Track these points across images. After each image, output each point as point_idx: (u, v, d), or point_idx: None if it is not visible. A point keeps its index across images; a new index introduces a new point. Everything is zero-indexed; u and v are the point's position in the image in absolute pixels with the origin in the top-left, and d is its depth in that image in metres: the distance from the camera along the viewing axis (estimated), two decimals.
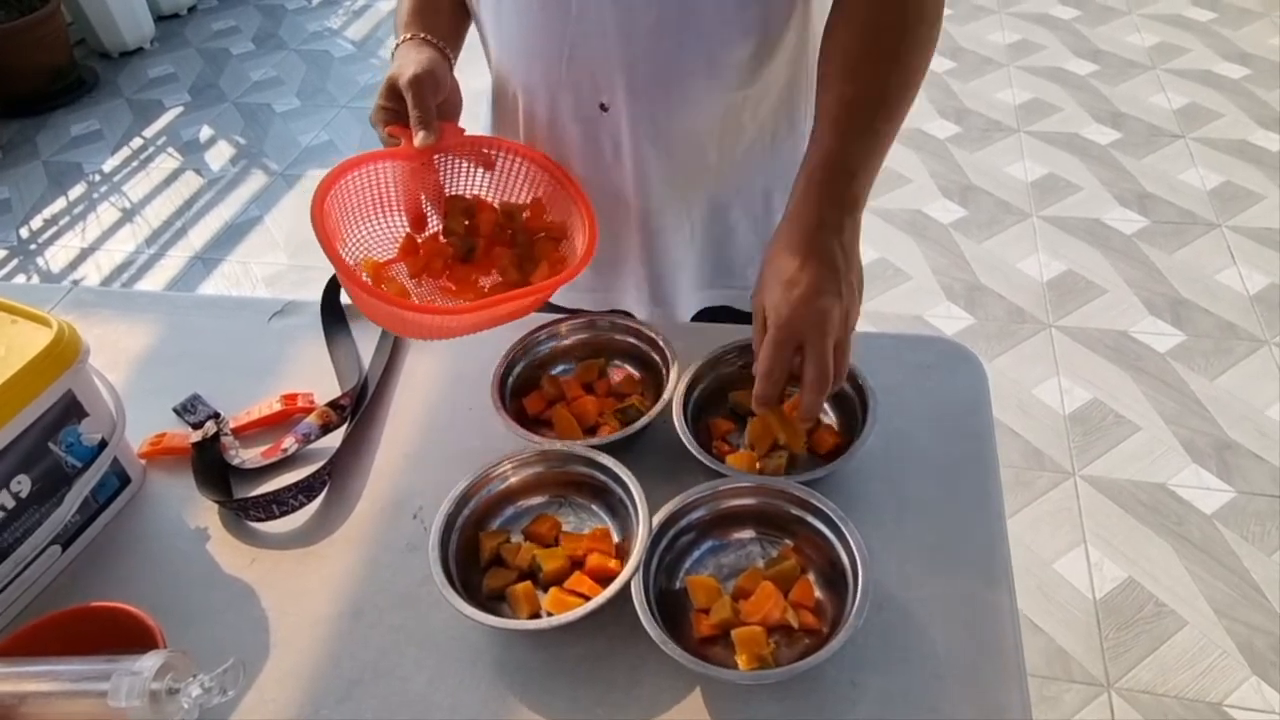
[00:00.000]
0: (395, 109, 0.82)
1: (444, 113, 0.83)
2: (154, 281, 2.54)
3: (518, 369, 0.87)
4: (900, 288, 2.26)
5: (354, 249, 0.83)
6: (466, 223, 0.86)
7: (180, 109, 3.29)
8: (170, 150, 3.09)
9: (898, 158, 2.70)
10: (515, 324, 0.86)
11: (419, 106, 0.80)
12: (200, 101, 3.32)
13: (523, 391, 0.87)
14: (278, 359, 0.97)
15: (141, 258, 2.63)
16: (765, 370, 0.70)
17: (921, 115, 2.88)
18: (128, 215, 2.81)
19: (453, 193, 0.88)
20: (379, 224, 0.85)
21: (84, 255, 2.66)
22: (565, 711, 0.66)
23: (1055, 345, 2.05)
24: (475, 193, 0.89)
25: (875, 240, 2.38)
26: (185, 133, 3.16)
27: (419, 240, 0.86)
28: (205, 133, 3.16)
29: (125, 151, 3.10)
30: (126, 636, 0.65)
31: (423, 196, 0.86)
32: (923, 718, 0.63)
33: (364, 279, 0.80)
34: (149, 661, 0.57)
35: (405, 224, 0.86)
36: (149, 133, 3.18)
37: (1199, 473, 1.76)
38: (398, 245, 0.86)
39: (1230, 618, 1.53)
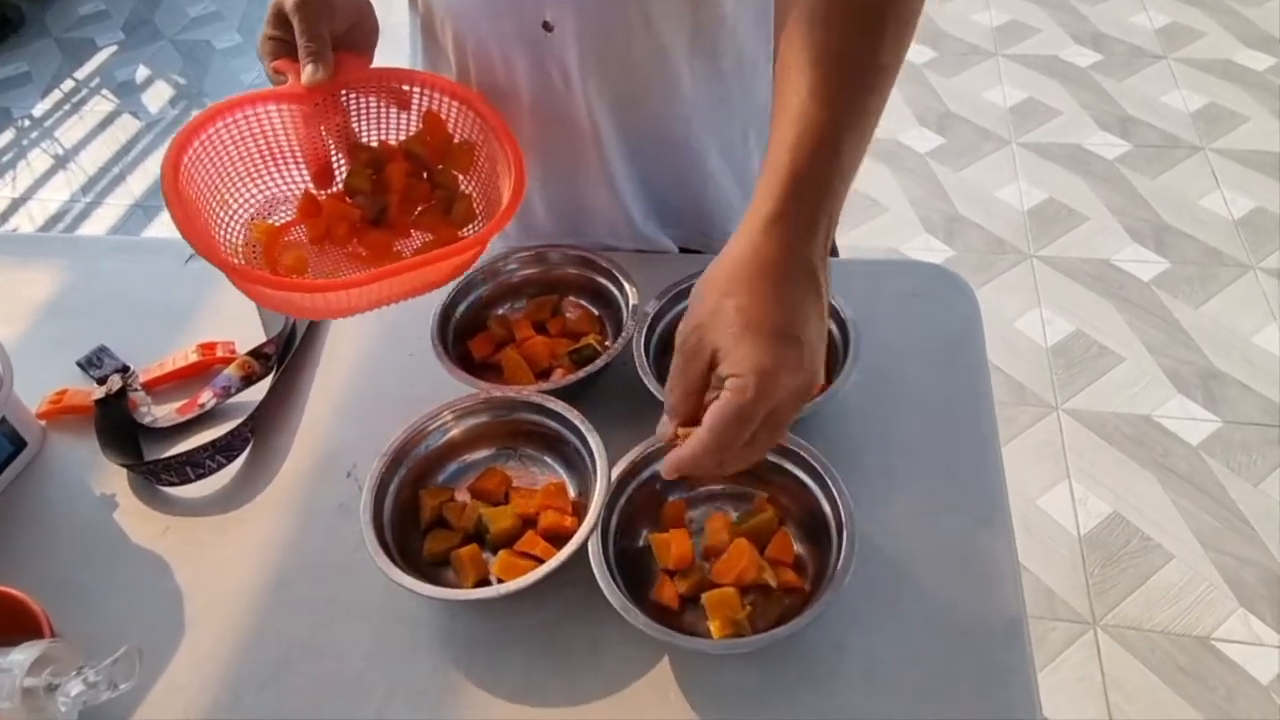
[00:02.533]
0: (285, 39, 0.69)
1: (351, 41, 0.71)
2: (91, 231, 2.39)
3: (461, 309, 0.78)
4: (876, 220, 2.17)
5: (241, 210, 0.72)
6: (374, 176, 0.73)
7: (114, 48, 3.10)
8: (104, 92, 2.91)
9: None
10: None
11: (308, 34, 0.67)
12: (135, 40, 3.13)
13: (468, 334, 0.78)
14: (195, 305, 0.87)
15: (77, 206, 2.48)
16: (712, 446, 0.49)
17: None
18: (61, 162, 2.64)
19: (367, 139, 0.75)
20: (273, 179, 0.73)
21: (15, 206, 2.50)
22: (518, 687, 0.59)
23: (1036, 275, 1.99)
24: (387, 138, 0.76)
25: None
26: (120, 73, 2.98)
27: (320, 198, 0.74)
28: (141, 73, 2.97)
29: (56, 94, 2.92)
30: (8, 623, 0.57)
31: (331, 145, 0.74)
32: (915, 680, 0.57)
33: (232, 257, 0.68)
34: (20, 655, 0.49)
35: (307, 178, 0.74)
36: (81, 74, 2.99)
37: (1184, 403, 1.71)
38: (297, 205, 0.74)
39: (1217, 550, 1.49)
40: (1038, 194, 2.19)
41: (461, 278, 0.78)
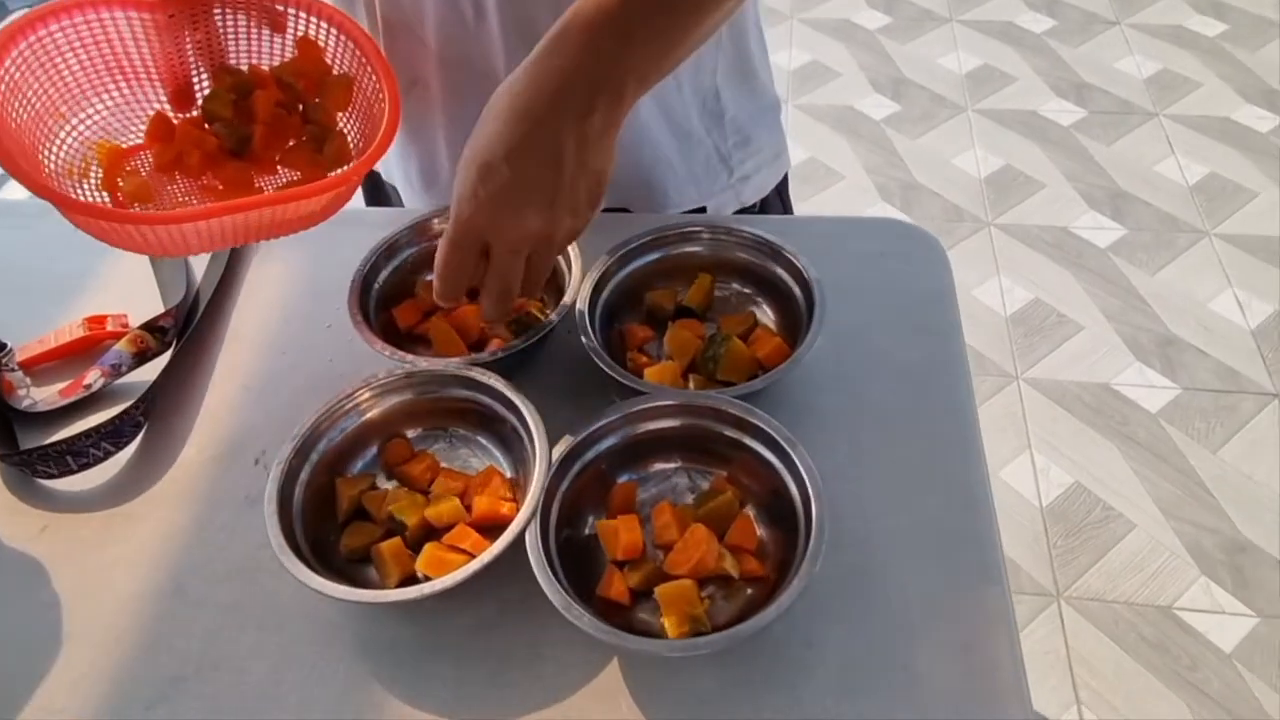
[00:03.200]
0: None
1: None
2: None
3: (385, 274, 0.70)
4: (832, 188, 2.12)
5: (83, 129, 0.64)
6: (237, 102, 0.66)
7: (24, 9, 2.90)
8: None
9: (825, 50, 2.54)
10: (380, 220, 0.69)
11: None
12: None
13: (393, 301, 0.70)
14: (84, 274, 0.78)
15: None
16: (440, 271, 0.55)
17: (850, 5, 2.71)
18: None
19: (238, 62, 0.68)
20: (121, 95, 0.66)
21: None
22: (448, 699, 0.52)
23: (995, 244, 1.95)
24: (259, 63, 0.68)
25: (804, 139, 2.23)
26: None
27: (175, 121, 0.67)
28: None
29: None
30: None
31: (194, 64, 0.66)
32: (893, 679, 0.51)
33: (65, 180, 0.61)
34: None
35: (162, 96, 0.67)
36: None
37: (1143, 370, 1.69)
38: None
39: (1178, 518, 1.47)
40: (994, 161, 2.16)
41: (385, 240, 0.70)
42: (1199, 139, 2.17)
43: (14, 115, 0.58)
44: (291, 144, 0.68)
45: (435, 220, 0.72)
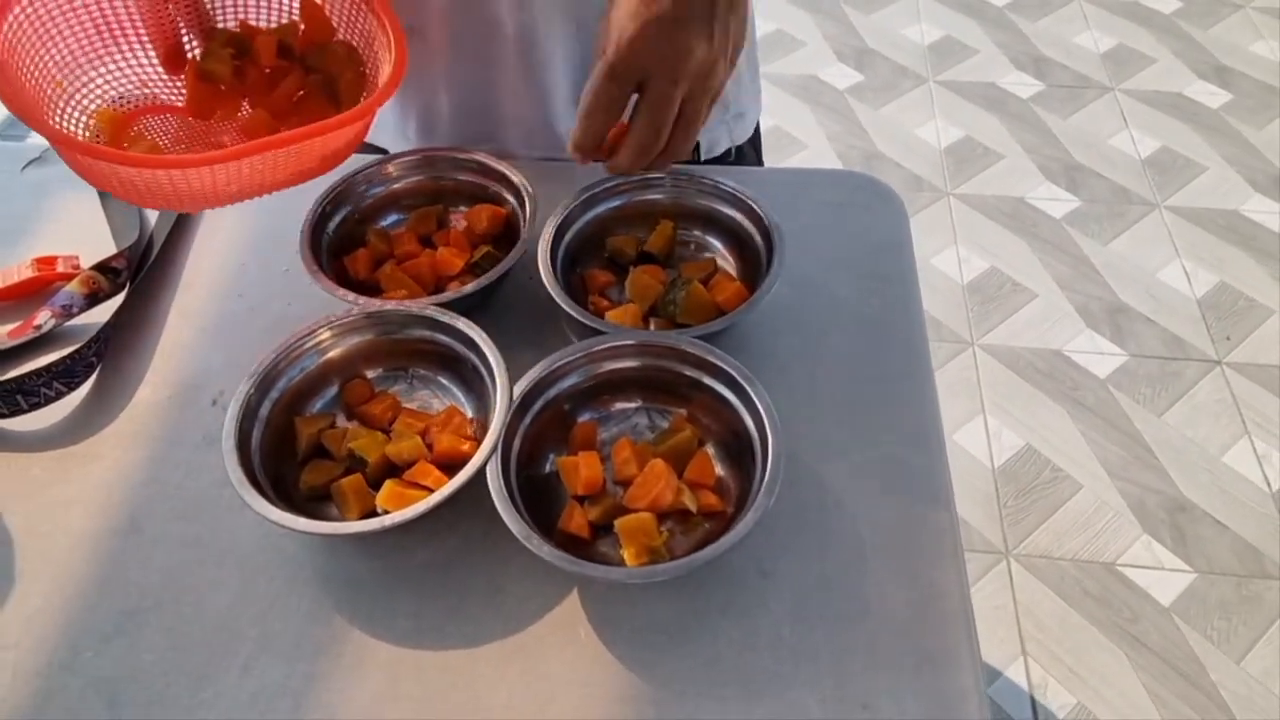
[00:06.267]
0: None
1: None
2: None
3: (335, 221, 0.69)
4: (795, 157, 2.13)
5: (83, 96, 0.63)
6: (236, 60, 0.65)
7: None
8: None
9: (790, 19, 2.54)
10: (341, 167, 0.68)
11: None
12: None
13: (344, 250, 0.69)
14: (34, 215, 0.76)
15: None
16: (587, 108, 0.55)
17: None
18: None
19: (223, 23, 0.67)
20: (115, 59, 0.64)
21: None
22: (408, 630, 0.52)
23: (953, 214, 1.98)
24: (245, 18, 0.67)
25: (768, 106, 2.22)
26: None
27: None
28: None
29: None
30: None
31: (180, 24, 0.65)
32: (846, 607, 0.52)
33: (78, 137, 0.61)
34: None
35: (154, 60, 0.66)
36: None
37: (1093, 337, 1.74)
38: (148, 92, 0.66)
39: (1123, 479, 1.52)
40: (955, 132, 2.18)
41: (336, 186, 0.69)
42: (1152, 114, 2.21)
43: (24, 79, 0.57)
44: (301, 94, 0.67)
45: (390, 164, 0.71)
